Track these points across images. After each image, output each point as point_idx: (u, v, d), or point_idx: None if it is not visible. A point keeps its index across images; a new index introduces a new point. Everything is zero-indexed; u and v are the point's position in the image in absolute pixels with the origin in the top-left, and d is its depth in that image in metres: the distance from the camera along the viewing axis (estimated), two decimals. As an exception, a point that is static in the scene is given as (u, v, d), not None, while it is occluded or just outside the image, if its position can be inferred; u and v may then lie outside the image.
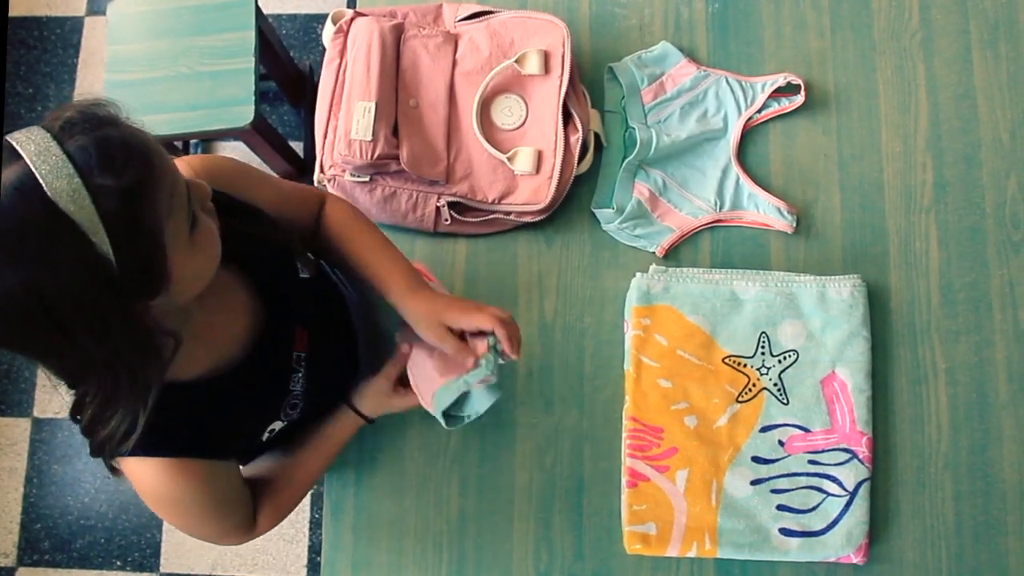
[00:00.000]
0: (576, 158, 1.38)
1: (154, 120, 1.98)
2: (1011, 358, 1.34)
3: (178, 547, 2.38)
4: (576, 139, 1.38)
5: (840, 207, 1.40)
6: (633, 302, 1.34)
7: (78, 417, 0.91)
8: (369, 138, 1.32)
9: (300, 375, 1.16)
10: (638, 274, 1.35)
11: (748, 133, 1.43)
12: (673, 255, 1.40)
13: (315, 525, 2.36)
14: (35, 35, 2.72)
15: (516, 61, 1.39)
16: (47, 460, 2.45)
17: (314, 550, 2.35)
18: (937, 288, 1.37)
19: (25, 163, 0.76)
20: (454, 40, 1.42)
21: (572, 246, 1.42)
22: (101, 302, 0.80)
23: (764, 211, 1.39)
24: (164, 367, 0.90)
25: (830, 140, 1.43)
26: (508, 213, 1.39)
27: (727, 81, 1.44)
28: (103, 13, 2.69)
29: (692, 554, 1.28)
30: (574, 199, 1.41)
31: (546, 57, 1.40)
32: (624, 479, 1.30)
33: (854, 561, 1.27)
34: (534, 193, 1.37)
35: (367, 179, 1.37)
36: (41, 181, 0.76)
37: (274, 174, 1.35)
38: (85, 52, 2.71)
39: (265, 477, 1.21)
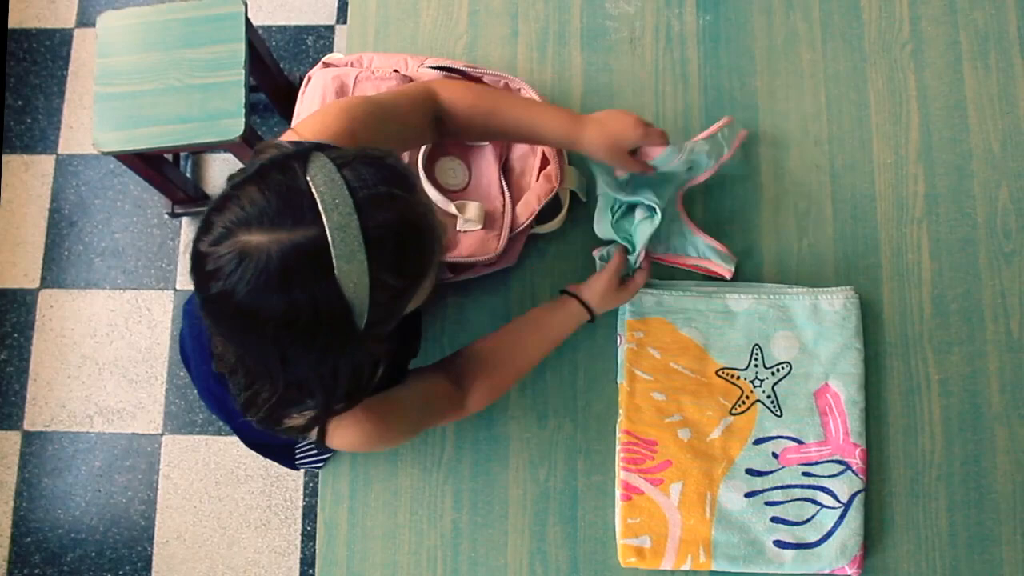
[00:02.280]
0: (533, 216, 1.36)
1: (144, 133, 2.01)
2: (1003, 369, 1.34)
3: (169, 559, 2.37)
4: (547, 192, 1.36)
5: (832, 218, 1.41)
6: (626, 315, 1.34)
7: (253, 406, 0.96)
8: None
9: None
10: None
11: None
12: (666, 267, 1.40)
13: (307, 538, 2.35)
14: (24, 47, 2.71)
15: None
16: (37, 473, 2.44)
17: (306, 563, 2.34)
18: (929, 299, 1.37)
19: (324, 232, 0.78)
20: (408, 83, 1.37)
21: (565, 258, 1.41)
22: (336, 346, 0.86)
23: (703, 254, 1.38)
24: (374, 376, 0.96)
25: (822, 151, 1.43)
26: (455, 267, 1.36)
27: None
28: (93, 25, 2.68)
29: (687, 567, 1.28)
30: (567, 211, 1.41)
31: None
32: (618, 492, 1.30)
33: (849, 573, 1.27)
34: (480, 246, 1.33)
35: None
36: (333, 260, 0.79)
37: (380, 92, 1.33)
38: (75, 64, 2.70)
39: (482, 355, 1.25)
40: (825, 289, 1.34)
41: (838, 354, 1.31)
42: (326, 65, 1.42)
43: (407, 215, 0.85)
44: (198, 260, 0.81)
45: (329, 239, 0.78)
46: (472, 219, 1.32)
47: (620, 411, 1.32)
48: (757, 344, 1.33)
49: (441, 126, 1.22)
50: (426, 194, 0.89)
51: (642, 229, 1.30)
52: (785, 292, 1.34)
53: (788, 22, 1.49)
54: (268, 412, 0.95)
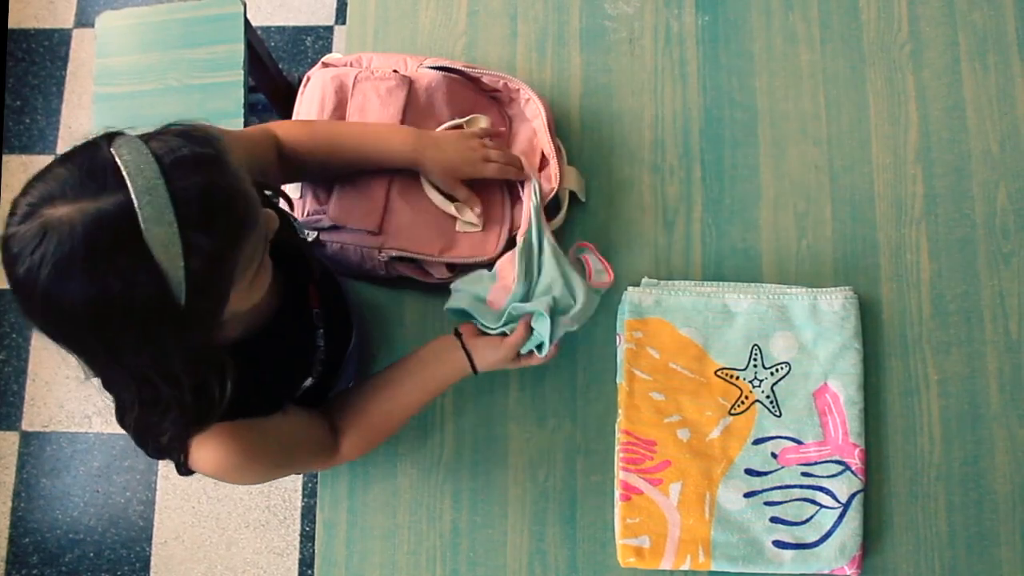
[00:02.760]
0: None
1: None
2: (1002, 369, 1.34)
3: (168, 560, 2.37)
4: (547, 193, 1.35)
5: (831, 219, 1.41)
6: (625, 315, 1.34)
7: (125, 422, 0.94)
8: (298, 196, 1.32)
9: (321, 331, 1.20)
10: (630, 288, 1.35)
11: (735, 151, 1.43)
12: (665, 268, 1.40)
13: (306, 538, 2.35)
14: (23, 47, 2.71)
15: (466, 123, 1.37)
16: (36, 474, 2.44)
17: (305, 563, 2.34)
18: (928, 299, 1.37)
19: (129, 196, 0.76)
20: (408, 84, 1.36)
21: (564, 259, 1.42)
22: (162, 332, 0.82)
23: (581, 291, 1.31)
24: (224, 387, 0.92)
25: (821, 152, 1.43)
26: (453, 267, 1.35)
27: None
28: (91, 26, 2.68)
29: (686, 567, 1.28)
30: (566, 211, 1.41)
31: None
32: (617, 492, 1.30)
33: (848, 573, 1.27)
34: (480, 246, 1.33)
35: (315, 236, 1.34)
36: (141, 223, 0.76)
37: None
38: (73, 64, 2.70)
39: (357, 405, 1.23)
40: (824, 289, 1.34)
41: (837, 354, 1.31)
42: (325, 65, 1.43)
43: (215, 178, 0.82)
44: (4, 245, 0.78)
45: (135, 202, 0.76)
46: (471, 221, 1.33)
47: (619, 411, 1.32)
48: (756, 344, 1.33)
49: (286, 165, 1.21)
50: (235, 162, 0.86)
51: (539, 326, 1.21)
52: (784, 292, 1.34)
53: (787, 23, 1.49)
54: (136, 427, 0.93)
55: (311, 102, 1.37)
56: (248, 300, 0.94)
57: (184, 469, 1.01)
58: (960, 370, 1.35)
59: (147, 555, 2.38)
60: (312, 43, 2.68)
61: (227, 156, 0.86)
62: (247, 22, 2.07)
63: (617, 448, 1.32)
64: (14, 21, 2.73)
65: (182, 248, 0.78)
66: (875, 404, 1.34)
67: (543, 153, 1.39)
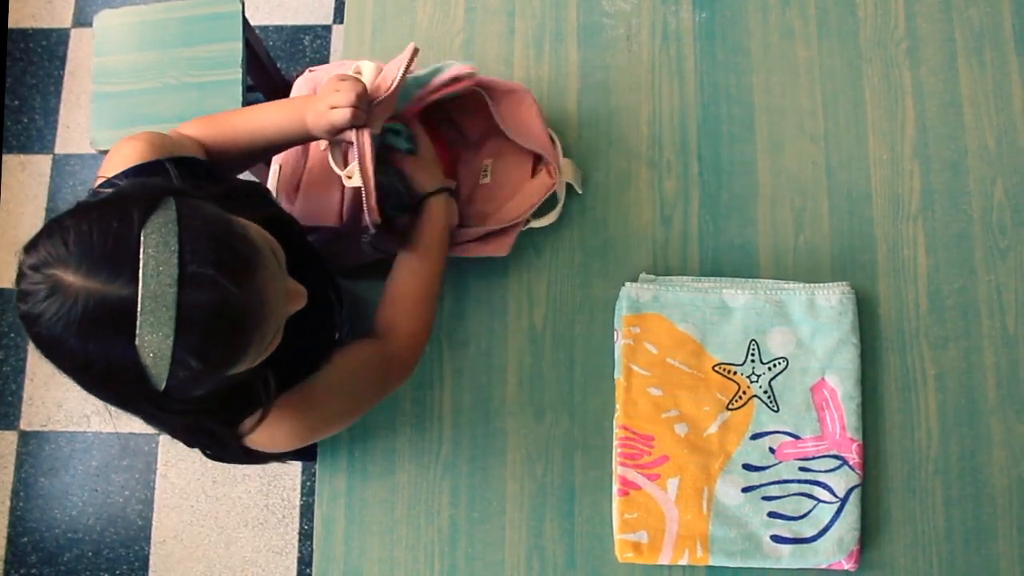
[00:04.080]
0: (533, 209, 1.35)
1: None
2: (999, 363, 1.35)
3: (166, 559, 2.37)
4: (548, 188, 1.35)
5: (828, 215, 1.41)
6: (623, 311, 1.35)
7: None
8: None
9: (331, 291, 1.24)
10: (627, 283, 1.35)
11: (732, 147, 1.44)
12: (662, 264, 1.40)
13: (305, 537, 2.35)
14: (21, 47, 2.71)
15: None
16: (34, 473, 2.44)
17: (304, 562, 2.34)
18: (925, 294, 1.37)
19: (136, 297, 0.76)
20: (378, 70, 1.31)
21: (561, 254, 1.42)
22: (135, 403, 0.87)
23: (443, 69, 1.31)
24: (268, 383, 0.96)
25: (818, 148, 1.44)
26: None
27: None
28: (89, 25, 2.69)
29: (684, 562, 1.28)
30: (564, 204, 1.42)
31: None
32: (615, 487, 1.30)
33: (846, 567, 1.27)
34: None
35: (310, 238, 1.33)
36: (137, 328, 0.76)
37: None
38: (72, 64, 2.71)
39: (396, 310, 1.25)
40: (821, 285, 1.34)
41: (834, 349, 1.32)
42: (311, 72, 1.42)
43: (227, 305, 0.80)
44: (19, 272, 0.80)
45: (139, 306, 0.76)
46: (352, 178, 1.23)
47: (617, 407, 1.33)
48: (754, 339, 1.33)
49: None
50: (264, 283, 0.85)
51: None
52: (781, 288, 1.34)
53: (784, 19, 1.49)
54: (188, 443, 0.96)
55: None
56: (287, 314, 0.94)
57: (253, 456, 1.05)
58: (957, 365, 1.35)
59: (146, 554, 2.38)
60: (310, 42, 2.68)
61: (254, 281, 0.84)
62: (245, 21, 2.07)
63: (615, 443, 1.32)
64: (13, 20, 2.74)
65: (170, 361, 0.78)
66: (873, 399, 1.34)
67: (535, 154, 1.38)
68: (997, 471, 1.32)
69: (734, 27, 1.49)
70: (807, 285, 1.34)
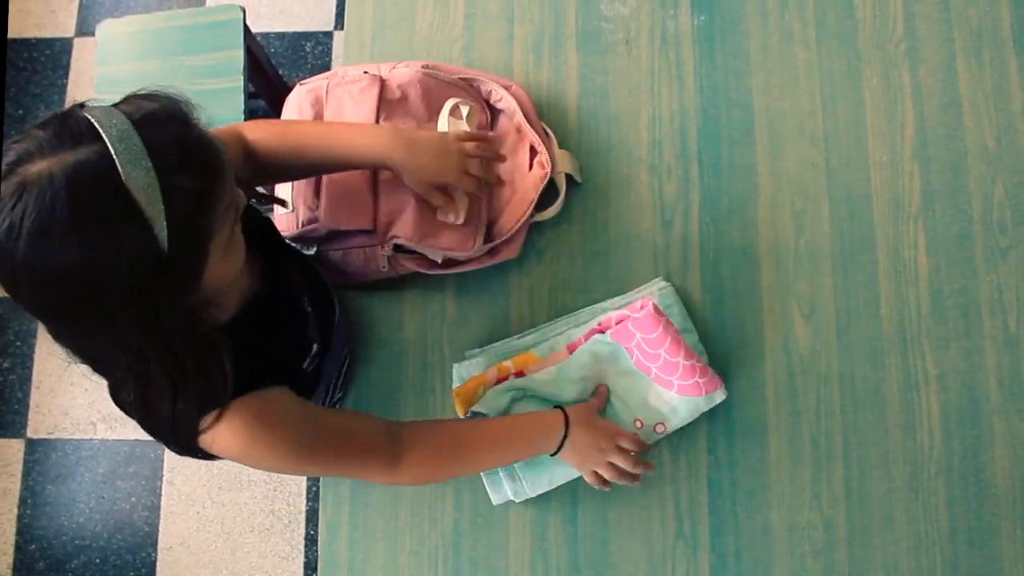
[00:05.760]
0: (533, 205, 1.37)
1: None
2: (1001, 363, 1.35)
3: (173, 565, 2.38)
4: (541, 179, 1.36)
5: (829, 216, 1.41)
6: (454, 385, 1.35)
7: (120, 399, 0.94)
8: (290, 210, 1.32)
9: (306, 300, 1.21)
10: (455, 365, 1.36)
11: (732, 150, 1.44)
12: (663, 267, 1.40)
13: (310, 542, 2.35)
14: (24, 56, 2.72)
15: (451, 117, 1.36)
16: (41, 481, 2.45)
17: (310, 567, 2.34)
18: (927, 295, 1.38)
19: (105, 145, 0.78)
20: (379, 82, 1.36)
21: (562, 259, 1.42)
22: (152, 290, 0.82)
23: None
24: (222, 363, 0.92)
25: (818, 150, 1.44)
26: (452, 262, 1.36)
27: None
28: (92, 34, 2.70)
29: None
30: (565, 211, 1.42)
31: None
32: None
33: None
34: (460, 242, 1.33)
35: (314, 251, 1.34)
36: (119, 168, 0.77)
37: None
38: (75, 73, 2.72)
39: (430, 424, 1.23)
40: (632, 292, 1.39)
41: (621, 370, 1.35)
42: (302, 85, 1.43)
43: (185, 129, 0.85)
44: None
45: (111, 149, 0.77)
46: (444, 211, 1.31)
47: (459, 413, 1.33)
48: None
49: (253, 165, 1.19)
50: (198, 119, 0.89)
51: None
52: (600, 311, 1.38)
53: (782, 21, 1.50)
54: (137, 409, 0.92)
55: (290, 117, 1.38)
56: (226, 267, 0.94)
57: (201, 452, 1.00)
58: (959, 365, 1.35)
59: (152, 560, 2.39)
60: (312, 49, 2.69)
61: (193, 112, 0.88)
62: (247, 28, 2.08)
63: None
64: (16, 30, 2.74)
65: (161, 190, 0.79)
66: (875, 399, 1.34)
67: (531, 145, 1.39)
68: (1000, 471, 1.32)
69: (733, 30, 1.50)
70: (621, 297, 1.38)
